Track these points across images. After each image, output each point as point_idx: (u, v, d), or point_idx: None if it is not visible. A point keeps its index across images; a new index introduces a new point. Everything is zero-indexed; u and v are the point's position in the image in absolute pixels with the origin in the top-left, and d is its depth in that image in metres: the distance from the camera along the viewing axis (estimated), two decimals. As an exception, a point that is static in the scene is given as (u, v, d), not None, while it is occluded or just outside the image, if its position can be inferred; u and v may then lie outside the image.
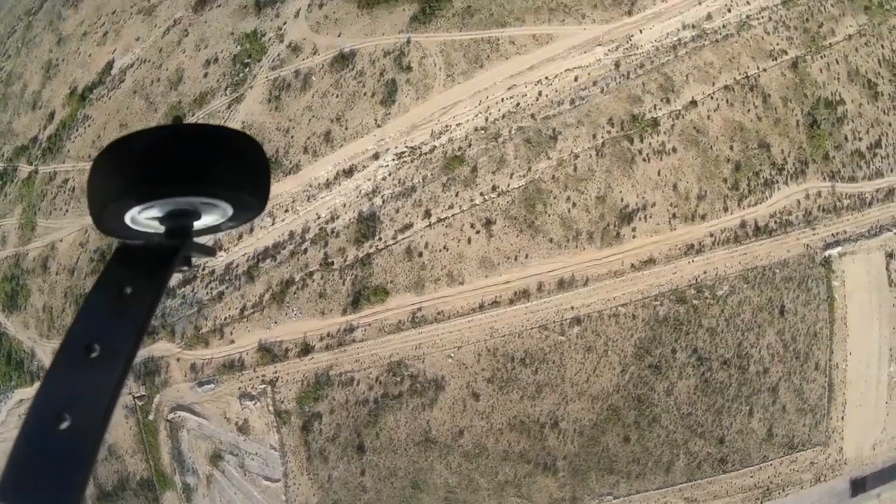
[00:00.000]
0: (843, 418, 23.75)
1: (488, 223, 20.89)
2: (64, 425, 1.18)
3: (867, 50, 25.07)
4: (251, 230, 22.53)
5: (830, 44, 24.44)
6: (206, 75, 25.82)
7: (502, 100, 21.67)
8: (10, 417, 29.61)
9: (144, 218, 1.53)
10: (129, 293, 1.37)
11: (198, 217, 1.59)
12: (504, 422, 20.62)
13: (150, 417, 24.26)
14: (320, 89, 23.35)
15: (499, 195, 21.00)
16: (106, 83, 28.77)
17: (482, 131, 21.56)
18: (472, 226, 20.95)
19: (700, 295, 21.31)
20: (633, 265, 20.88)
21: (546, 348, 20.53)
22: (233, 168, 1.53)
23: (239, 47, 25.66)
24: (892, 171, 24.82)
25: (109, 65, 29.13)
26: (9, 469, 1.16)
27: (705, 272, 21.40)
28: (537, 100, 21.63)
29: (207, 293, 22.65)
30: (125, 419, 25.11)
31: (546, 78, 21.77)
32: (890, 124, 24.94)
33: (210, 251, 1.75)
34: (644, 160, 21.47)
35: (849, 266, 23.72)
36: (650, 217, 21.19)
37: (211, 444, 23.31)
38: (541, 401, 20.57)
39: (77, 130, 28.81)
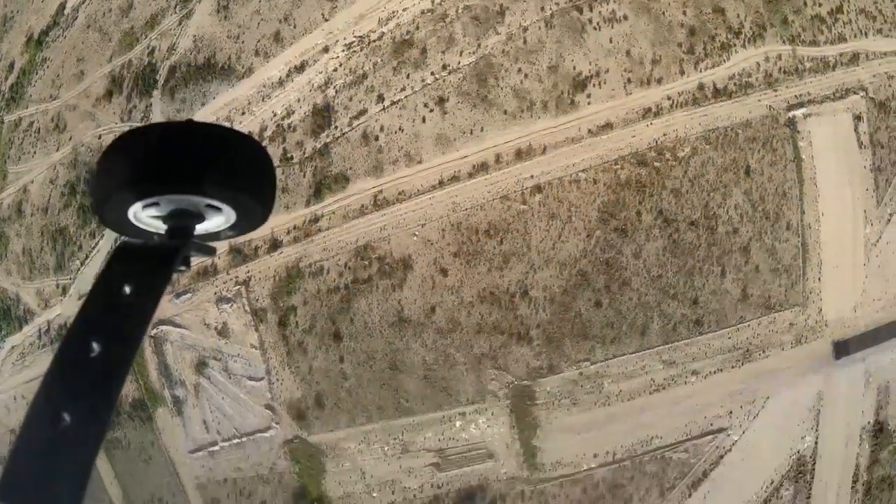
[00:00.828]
0: (819, 279, 24.35)
1: (441, 101, 21.54)
2: (63, 424, 1.21)
3: (824, -89, 25.15)
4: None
5: None
6: (155, -3, 26.45)
7: (447, -21, 22.14)
8: (4, 367, 30.93)
9: (147, 216, 1.57)
10: (128, 292, 1.41)
11: (201, 219, 1.63)
12: (474, 295, 21.46)
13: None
14: (268, -8, 23.92)
15: (450, 73, 21.61)
16: (60, 24, 29.54)
17: (429, 13, 22.11)
18: (426, 105, 21.62)
19: (661, 157, 21.90)
20: (590, 130, 21.49)
21: (509, 218, 21.28)
22: (237, 171, 1.55)
23: (186, -35, 26.22)
24: (855, 36, 25.08)
25: (62, 6, 29.84)
26: (9, 468, 1.18)
27: (665, 135, 21.96)
28: (482, -25, 22.07)
29: (174, 201, 23.54)
30: (110, 345, 26.24)
31: (490, -47, 22.18)
32: (851, -12, 25.10)
33: (211, 251, 1.78)
34: (595, 29, 21.94)
35: (815, 127, 24.16)
36: (604, 83, 21.73)
37: (195, 353, 24.41)
38: (508, 271, 21.37)
39: (37, 74, 29.67)
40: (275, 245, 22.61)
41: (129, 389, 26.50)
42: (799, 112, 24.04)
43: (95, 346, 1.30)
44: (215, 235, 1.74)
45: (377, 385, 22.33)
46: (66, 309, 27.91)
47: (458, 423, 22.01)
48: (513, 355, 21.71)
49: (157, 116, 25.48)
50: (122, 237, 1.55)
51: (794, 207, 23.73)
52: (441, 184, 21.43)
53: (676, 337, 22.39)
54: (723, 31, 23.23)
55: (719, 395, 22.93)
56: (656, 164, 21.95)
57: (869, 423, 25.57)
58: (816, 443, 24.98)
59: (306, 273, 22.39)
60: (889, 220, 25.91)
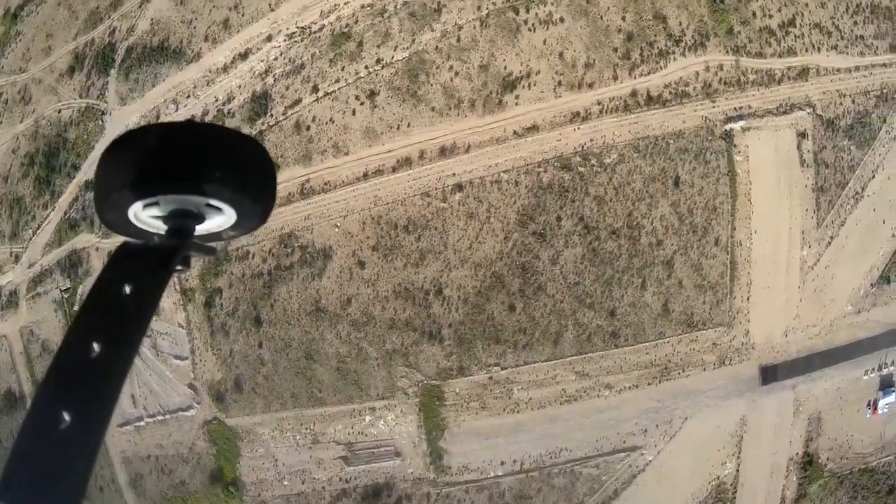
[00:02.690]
0: (748, 299, 23.94)
1: (372, 94, 21.81)
2: (64, 424, 1.21)
3: (784, -73, 24.76)
4: (157, 115, 23.92)
5: (742, -81, 24.25)
6: (120, -21, 27.14)
7: (389, -24, 22.40)
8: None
9: (147, 216, 1.57)
10: (128, 292, 1.41)
11: (201, 219, 1.62)
12: (389, 289, 21.65)
13: (76, 308, 26.02)
14: (220, -20, 24.42)
15: (383, 67, 21.89)
16: (35, 0, 30.41)
17: (368, 8, 22.46)
18: (357, 98, 21.94)
19: (586, 163, 21.85)
20: (515, 132, 21.55)
21: (428, 215, 21.44)
22: (238, 171, 1.56)
23: (151, -49, 26.87)
24: (807, 51, 24.61)
25: (40, -18, 30.74)
26: (9, 468, 1.18)
27: (592, 140, 21.91)
28: (423, -26, 22.27)
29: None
30: (54, 313, 27.05)
31: (432, -47, 22.37)
32: (806, 5, 24.66)
33: (211, 250, 1.76)
34: (529, 30, 22.02)
35: (753, 141, 23.83)
36: (534, 85, 21.78)
37: (126, 328, 24.91)
38: (424, 268, 21.51)
39: (10, 47, 30.64)
40: (204, 226, 23.02)
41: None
42: (737, 125, 23.63)
43: (95, 346, 1.31)
44: (215, 235, 1.73)
45: (292, 373, 22.62)
46: (17, 276, 28.74)
47: (367, 418, 22.19)
48: (424, 354, 21.82)
49: (111, 95, 26.18)
50: (123, 237, 1.59)
51: (725, 223, 23.38)
52: (365, 176, 21.70)
53: (591, 348, 22.19)
54: (662, 37, 23.02)
55: (634, 412, 22.62)
56: (581, 169, 21.90)
57: (797, 454, 24.82)
58: (738, 470, 24.33)
59: (233, 256, 22.84)
60: (829, 244, 25.28)
